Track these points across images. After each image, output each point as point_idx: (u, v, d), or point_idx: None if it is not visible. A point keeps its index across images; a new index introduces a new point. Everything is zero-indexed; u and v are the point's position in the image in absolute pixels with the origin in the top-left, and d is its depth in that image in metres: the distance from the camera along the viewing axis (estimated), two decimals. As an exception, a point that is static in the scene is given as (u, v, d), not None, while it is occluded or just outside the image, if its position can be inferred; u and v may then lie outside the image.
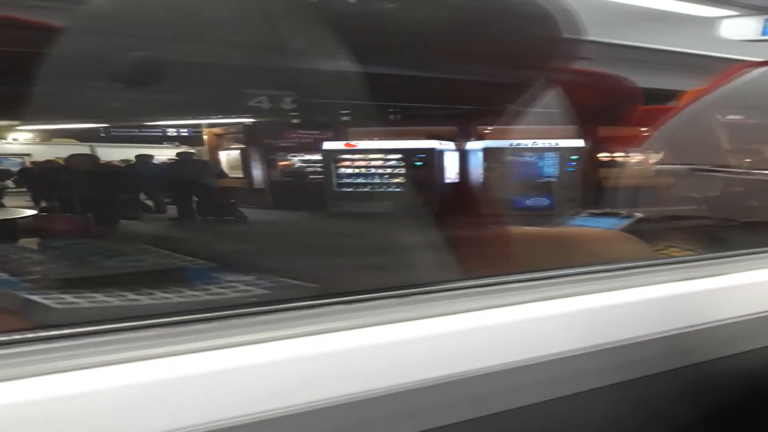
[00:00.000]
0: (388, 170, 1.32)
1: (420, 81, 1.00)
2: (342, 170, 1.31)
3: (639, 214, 1.54)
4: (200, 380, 0.59)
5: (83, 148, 0.98)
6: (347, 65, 0.88)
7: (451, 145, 1.35)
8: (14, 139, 0.99)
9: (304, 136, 1.20)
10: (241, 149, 1.16)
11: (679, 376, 0.83)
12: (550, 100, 1.14)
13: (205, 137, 1.12)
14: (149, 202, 1.04)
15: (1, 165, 0.97)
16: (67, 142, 0.97)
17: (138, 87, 0.85)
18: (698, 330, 0.84)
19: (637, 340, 0.80)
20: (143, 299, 0.80)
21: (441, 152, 1.35)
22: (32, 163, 0.97)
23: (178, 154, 1.09)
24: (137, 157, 1.04)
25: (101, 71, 0.82)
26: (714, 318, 0.86)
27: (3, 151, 0.97)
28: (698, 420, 0.86)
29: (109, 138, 1.00)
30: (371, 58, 0.90)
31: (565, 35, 0.95)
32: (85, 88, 0.85)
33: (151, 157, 1.02)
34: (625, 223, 1.50)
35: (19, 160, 0.97)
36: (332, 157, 1.32)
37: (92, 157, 0.98)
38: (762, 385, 0.89)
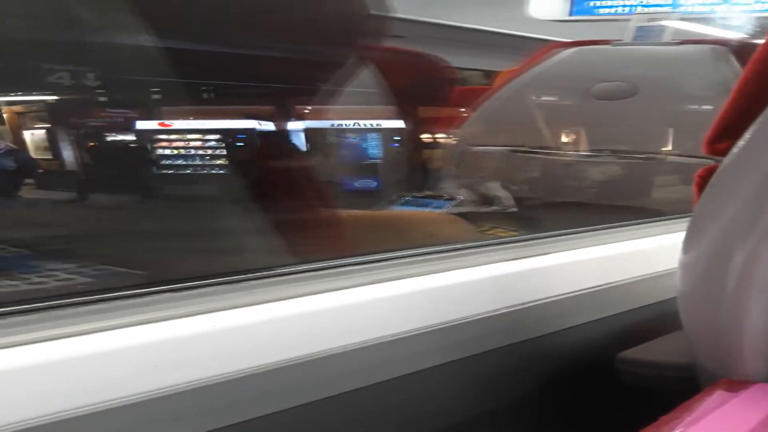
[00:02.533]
0: (209, 151, 1.28)
1: (232, 58, 0.97)
2: (160, 151, 1.25)
3: (461, 197, 1.60)
4: (24, 374, 0.55)
5: None
6: (150, 40, 0.84)
7: (271, 125, 1.33)
8: None
9: (115, 115, 1.13)
10: (47, 128, 1.07)
11: (511, 352, 0.87)
12: (366, 79, 1.15)
13: (4, 116, 1.02)
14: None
15: None
16: None
17: None
18: (527, 308, 0.89)
19: (472, 319, 0.83)
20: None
21: (262, 133, 1.32)
22: None
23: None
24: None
25: None
26: (541, 296, 0.91)
27: None
28: (530, 393, 0.90)
29: None
30: (177, 33, 0.87)
31: (371, 11, 0.96)
32: None
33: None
34: (448, 205, 1.55)
35: None
36: (148, 137, 1.25)
37: None
38: (585, 358, 0.95)
